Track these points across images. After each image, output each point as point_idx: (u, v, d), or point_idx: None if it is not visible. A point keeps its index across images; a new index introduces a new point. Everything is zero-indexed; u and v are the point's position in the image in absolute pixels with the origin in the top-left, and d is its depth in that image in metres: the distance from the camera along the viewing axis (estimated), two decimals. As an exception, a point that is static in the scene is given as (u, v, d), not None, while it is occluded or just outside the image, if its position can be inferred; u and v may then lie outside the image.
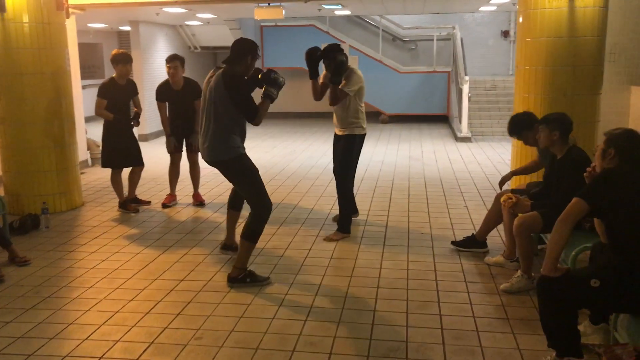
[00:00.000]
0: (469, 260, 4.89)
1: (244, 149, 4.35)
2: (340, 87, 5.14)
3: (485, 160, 9.52)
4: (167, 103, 6.58)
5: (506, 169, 8.69)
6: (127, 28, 12.70)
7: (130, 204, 6.64)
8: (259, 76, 4.29)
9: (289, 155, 10.41)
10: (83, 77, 10.81)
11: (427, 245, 5.29)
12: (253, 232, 4.31)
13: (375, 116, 14.74)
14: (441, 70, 14.51)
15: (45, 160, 6.42)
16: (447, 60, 14.91)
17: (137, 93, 6.62)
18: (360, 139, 5.43)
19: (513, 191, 4.76)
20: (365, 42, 15.25)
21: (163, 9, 9.59)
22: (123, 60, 6.33)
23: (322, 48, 5.17)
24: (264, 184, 4.39)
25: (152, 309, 4.00)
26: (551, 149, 4.19)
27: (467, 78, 11.64)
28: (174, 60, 6.44)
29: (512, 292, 4.19)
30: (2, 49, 6.18)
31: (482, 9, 10.92)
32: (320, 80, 5.38)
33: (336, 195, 5.64)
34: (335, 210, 6.31)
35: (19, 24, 6.13)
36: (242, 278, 4.34)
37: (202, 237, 5.62)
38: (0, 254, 5.00)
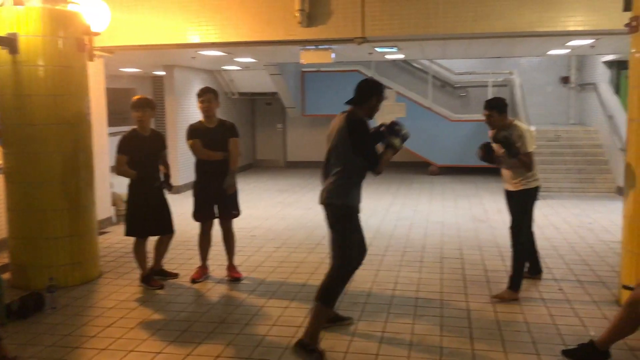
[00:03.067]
0: (591, 377, 3.66)
1: (359, 201, 4.12)
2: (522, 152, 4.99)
3: (562, 224, 8.24)
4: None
5: (591, 237, 7.45)
6: (162, 73, 11.99)
7: (154, 279, 5.59)
8: (381, 129, 4.09)
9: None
10: (115, 124, 10.06)
11: (529, 351, 4.06)
12: (326, 291, 3.98)
13: (424, 167, 13.58)
14: (497, 119, 13.32)
15: (57, 225, 5.46)
16: (503, 107, 13.78)
17: (165, 147, 5.63)
18: (535, 191, 5.17)
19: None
20: (413, 88, 14.23)
21: (199, 52, 8.75)
22: (142, 105, 5.38)
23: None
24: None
25: None
26: None
27: (532, 128, 10.43)
28: (206, 93, 5.49)
29: None
30: (11, 97, 5.33)
31: (552, 52, 9.80)
32: None
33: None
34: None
35: (33, 68, 5.28)
36: None
37: (238, 330, 4.49)
38: (-13, 351, 3.98)
